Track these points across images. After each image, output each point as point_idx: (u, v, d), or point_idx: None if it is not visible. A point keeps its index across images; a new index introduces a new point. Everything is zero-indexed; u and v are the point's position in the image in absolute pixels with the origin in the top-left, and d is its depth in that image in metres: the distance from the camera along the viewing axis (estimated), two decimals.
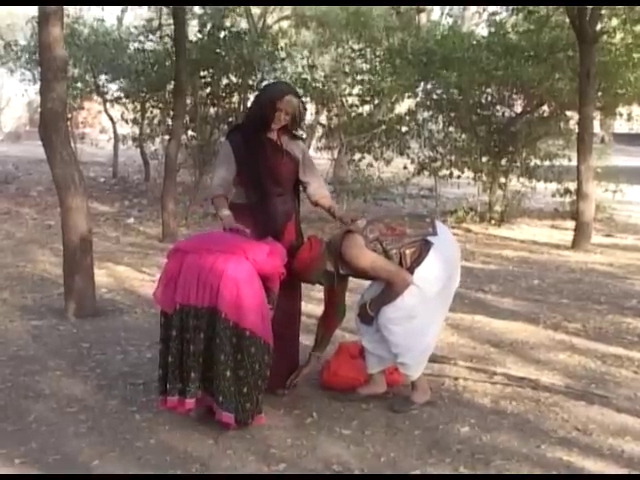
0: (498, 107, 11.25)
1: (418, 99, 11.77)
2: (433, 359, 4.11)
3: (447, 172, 11.23)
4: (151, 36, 13.90)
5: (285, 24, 20.01)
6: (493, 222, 10.62)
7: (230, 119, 11.30)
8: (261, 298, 3.48)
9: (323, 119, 13.07)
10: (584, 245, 8.81)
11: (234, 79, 11.29)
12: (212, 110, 11.64)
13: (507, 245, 9.16)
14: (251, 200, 3.90)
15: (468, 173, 11.20)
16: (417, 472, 3.16)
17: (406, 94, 11.62)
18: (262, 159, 3.87)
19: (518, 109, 11.28)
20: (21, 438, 3.47)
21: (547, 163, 11.08)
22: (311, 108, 14.52)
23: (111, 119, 15.96)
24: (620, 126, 22.17)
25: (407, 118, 11.57)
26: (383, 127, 11.22)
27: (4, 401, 3.91)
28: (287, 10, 19.74)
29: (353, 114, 11.67)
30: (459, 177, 11.21)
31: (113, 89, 15.59)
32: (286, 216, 3.94)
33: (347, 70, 12.59)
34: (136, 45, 14.36)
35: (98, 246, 7.24)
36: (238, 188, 3.99)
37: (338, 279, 3.84)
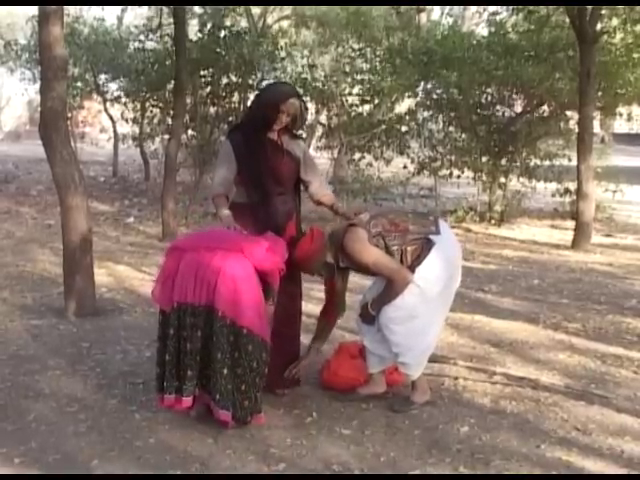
0: (498, 107, 11.25)
1: (418, 99, 11.77)
2: (433, 359, 4.11)
3: (447, 172, 11.23)
4: (151, 35, 13.87)
5: (285, 24, 20.01)
6: (493, 222, 10.62)
7: (230, 118, 11.30)
8: (258, 296, 3.47)
9: (323, 119, 13.08)
10: (584, 245, 8.80)
11: (234, 78, 11.28)
12: (212, 109, 11.63)
13: (507, 245, 9.16)
14: (252, 199, 3.91)
15: (468, 173, 11.20)
16: (417, 472, 3.16)
17: (406, 94, 11.63)
18: (263, 159, 3.87)
19: (518, 109, 11.28)
20: (21, 437, 3.47)
21: (547, 163, 11.08)
22: (311, 108, 14.50)
23: (111, 118, 15.95)
24: (620, 126, 22.19)
25: (407, 118, 11.58)
26: (383, 127, 11.23)
27: (4, 400, 3.91)
28: (287, 10, 19.74)
29: (353, 114, 11.68)
30: (459, 177, 11.21)
31: (113, 88, 15.60)
32: (287, 215, 3.94)
33: (347, 70, 12.60)
34: (136, 44, 14.33)
35: (98, 245, 7.24)
36: (239, 188, 3.99)
37: (338, 271, 3.84)
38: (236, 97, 11.43)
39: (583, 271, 7.51)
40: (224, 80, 11.32)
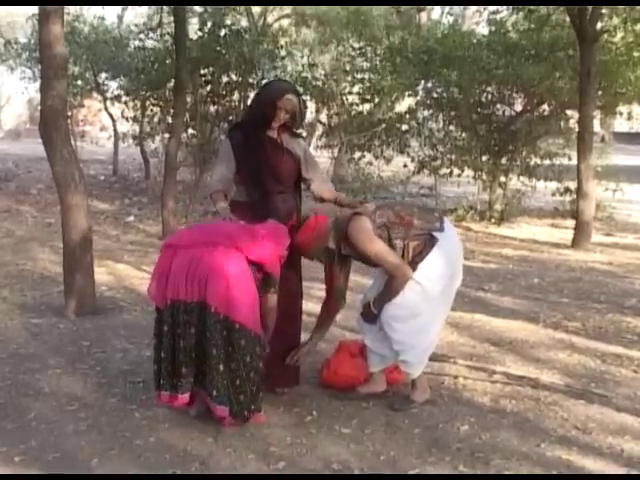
0: (498, 106, 11.26)
1: (418, 98, 11.78)
2: (433, 358, 4.11)
3: (447, 171, 11.24)
4: (151, 34, 13.87)
5: (285, 22, 19.98)
6: (493, 221, 10.62)
7: (230, 117, 11.29)
8: (251, 290, 3.46)
9: (323, 117, 13.08)
10: (584, 244, 8.81)
11: (234, 77, 11.27)
12: (212, 108, 11.62)
13: (507, 244, 9.16)
14: (252, 198, 3.91)
15: (468, 172, 11.20)
16: (417, 471, 3.16)
17: (406, 93, 11.64)
18: (262, 157, 3.87)
19: (518, 108, 11.28)
20: (21, 436, 3.47)
21: (547, 162, 11.08)
22: (311, 106, 14.51)
23: (111, 117, 15.94)
24: (620, 125, 22.20)
25: (407, 117, 11.58)
26: (383, 126, 11.24)
27: (4, 399, 3.91)
28: (287, 9, 19.71)
29: (353, 113, 11.69)
30: (459, 176, 11.23)
31: (113, 87, 15.58)
32: (287, 214, 3.93)
33: (347, 69, 12.61)
34: (136, 43, 14.33)
35: (98, 244, 7.24)
36: (239, 186, 3.99)
37: (339, 258, 3.81)
38: (236, 96, 11.42)
39: (583, 270, 7.51)
40: (224, 79, 11.31)
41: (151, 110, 13.67)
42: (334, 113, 12.12)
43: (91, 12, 17.61)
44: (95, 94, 16.39)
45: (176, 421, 3.62)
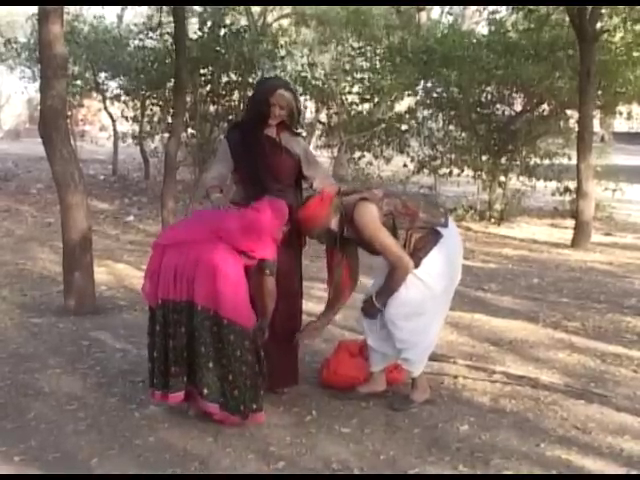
0: (498, 106, 11.26)
1: (418, 97, 11.79)
2: (433, 357, 4.11)
3: (447, 170, 11.24)
4: (151, 34, 13.85)
5: (285, 22, 19.98)
6: (493, 220, 10.62)
7: (230, 117, 11.28)
8: (240, 283, 3.46)
9: (323, 117, 13.08)
10: (584, 244, 8.81)
11: (234, 77, 11.26)
12: (212, 108, 11.62)
13: (507, 244, 9.17)
14: (250, 197, 3.90)
15: (468, 171, 11.21)
16: (416, 470, 3.16)
17: (406, 92, 11.65)
18: (261, 155, 3.87)
19: (518, 108, 11.28)
20: (20, 436, 3.47)
21: (547, 162, 11.08)
22: (311, 106, 14.54)
23: (111, 117, 15.93)
24: (620, 125, 22.19)
25: (407, 116, 11.59)
26: (383, 125, 11.25)
27: (3, 399, 3.91)
28: (287, 8, 19.71)
29: (353, 112, 11.69)
30: (459, 175, 11.23)
31: (113, 87, 15.56)
32: None
33: (347, 68, 12.61)
34: (136, 42, 14.32)
35: (98, 244, 7.24)
36: (238, 186, 3.99)
37: (340, 241, 3.77)
38: (236, 95, 11.42)
39: (583, 270, 7.51)
40: (224, 78, 11.31)
41: (151, 110, 13.67)
42: (334, 113, 12.13)
43: (91, 12, 17.60)
44: (95, 94, 16.39)
45: (176, 421, 3.62)
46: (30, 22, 14.28)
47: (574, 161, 9.29)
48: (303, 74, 11.84)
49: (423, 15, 17.35)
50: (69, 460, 3.25)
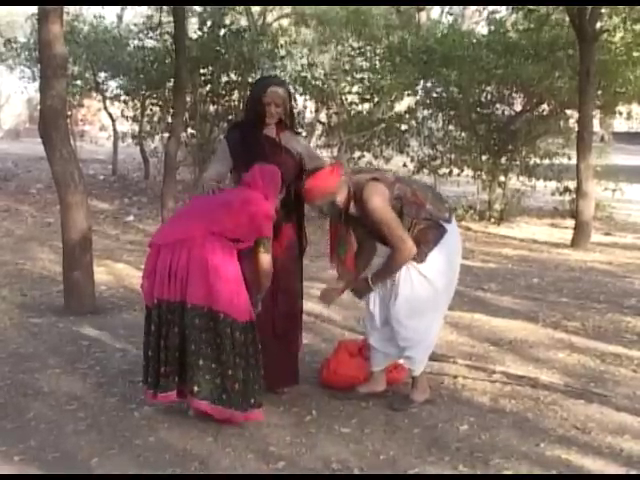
0: (498, 105, 11.26)
1: (418, 97, 11.78)
2: (433, 357, 4.10)
3: (447, 170, 11.24)
4: (151, 33, 13.85)
5: (285, 22, 19.98)
6: (493, 220, 10.63)
7: (230, 117, 11.29)
8: (234, 275, 3.46)
9: (323, 117, 13.06)
10: (583, 244, 8.81)
11: (234, 77, 11.28)
12: (212, 108, 11.63)
13: (506, 243, 9.17)
14: None
15: (468, 171, 11.21)
16: (416, 470, 3.16)
17: (406, 92, 11.63)
18: (260, 156, 3.86)
19: (518, 107, 11.28)
20: (20, 435, 3.47)
21: (547, 162, 11.08)
22: (311, 106, 14.52)
23: (111, 117, 15.92)
24: (620, 125, 22.18)
25: (407, 116, 11.57)
26: (383, 125, 11.23)
27: (3, 399, 3.91)
28: (287, 8, 19.70)
29: (353, 112, 11.67)
30: (459, 175, 11.22)
31: (113, 86, 15.56)
32: (285, 215, 3.90)
33: (347, 68, 12.58)
34: (136, 42, 14.32)
35: (97, 244, 7.24)
36: (237, 186, 3.98)
37: (345, 217, 3.74)
38: (236, 95, 11.43)
39: (582, 270, 7.51)
40: (224, 78, 11.32)
41: (150, 109, 13.66)
42: (333, 113, 12.10)
43: (90, 11, 17.58)
44: (94, 94, 16.37)
45: (175, 421, 3.62)
46: (30, 22, 14.28)
47: (574, 161, 9.29)
48: (303, 74, 11.83)
49: (423, 15, 17.34)
50: (69, 460, 3.25)
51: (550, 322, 5.46)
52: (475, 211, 10.91)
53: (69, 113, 13.12)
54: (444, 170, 11.25)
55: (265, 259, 3.58)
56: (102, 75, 15.41)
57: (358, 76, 11.82)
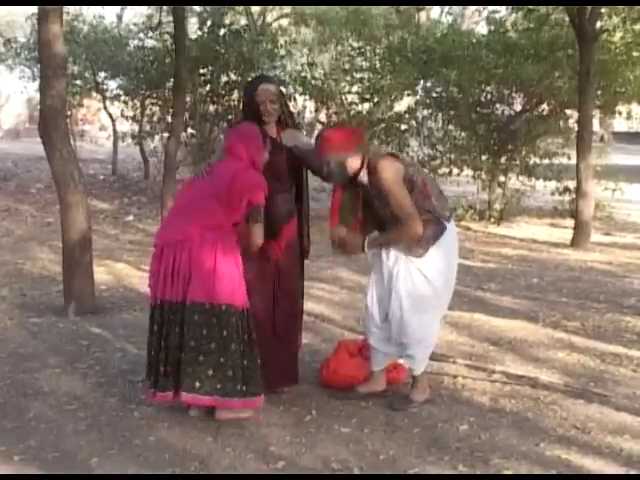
0: (498, 105, 11.25)
1: (418, 97, 11.77)
2: (432, 357, 4.10)
3: (446, 170, 11.22)
4: (151, 33, 13.87)
5: (285, 22, 19.99)
6: (492, 220, 10.62)
7: (230, 117, 11.29)
8: (234, 267, 3.49)
9: (323, 117, 13.07)
10: (583, 244, 8.80)
11: (234, 77, 11.28)
12: (212, 108, 11.64)
13: (506, 243, 9.16)
14: None
15: (467, 171, 11.20)
16: (416, 470, 3.16)
17: (406, 92, 11.62)
18: None
19: (518, 107, 11.28)
20: (20, 435, 3.47)
21: (546, 161, 11.06)
22: (311, 106, 14.54)
23: (110, 116, 15.93)
24: (619, 124, 22.18)
25: (406, 116, 11.57)
26: (382, 125, 11.22)
27: (3, 398, 3.92)
28: (287, 8, 19.71)
29: (352, 112, 11.66)
30: (458, 175, 11.21)
31: (113, 86, 15.57)
32: (287, 214, 3.90)
33: (347, 68, 12.59)
34: (136, 42, 14.35)
35: (97, 243, 7.23)
36: None
37: (352, 184, 3.71)
38: (235, 95, 11.42)
39: (582, 270, 7.51)
40: (224, 78, 11.32)
41: (150, 109, 13.67)
42: (333, 112, 12.10)
43: (90, 11, 17.58)
44: (94, 93, 16.38)
45: (175, 421, 3.62)
46: (30, 22, 14.26)
47: (574, 161, 9.29)
48: (303, 74, 11.83)
49: (423, 15, 17.34)
50: (69, 460, 3.25)
51: (550, 322, 5.46)
52: (475, 211, 10.91)
53: (69, 113, 13.11)
54: (444, 170, 11.24)
55: (257, 229, 3.55)
56: (102, 75, 15.42)
57: (358, 76, 11.82)
